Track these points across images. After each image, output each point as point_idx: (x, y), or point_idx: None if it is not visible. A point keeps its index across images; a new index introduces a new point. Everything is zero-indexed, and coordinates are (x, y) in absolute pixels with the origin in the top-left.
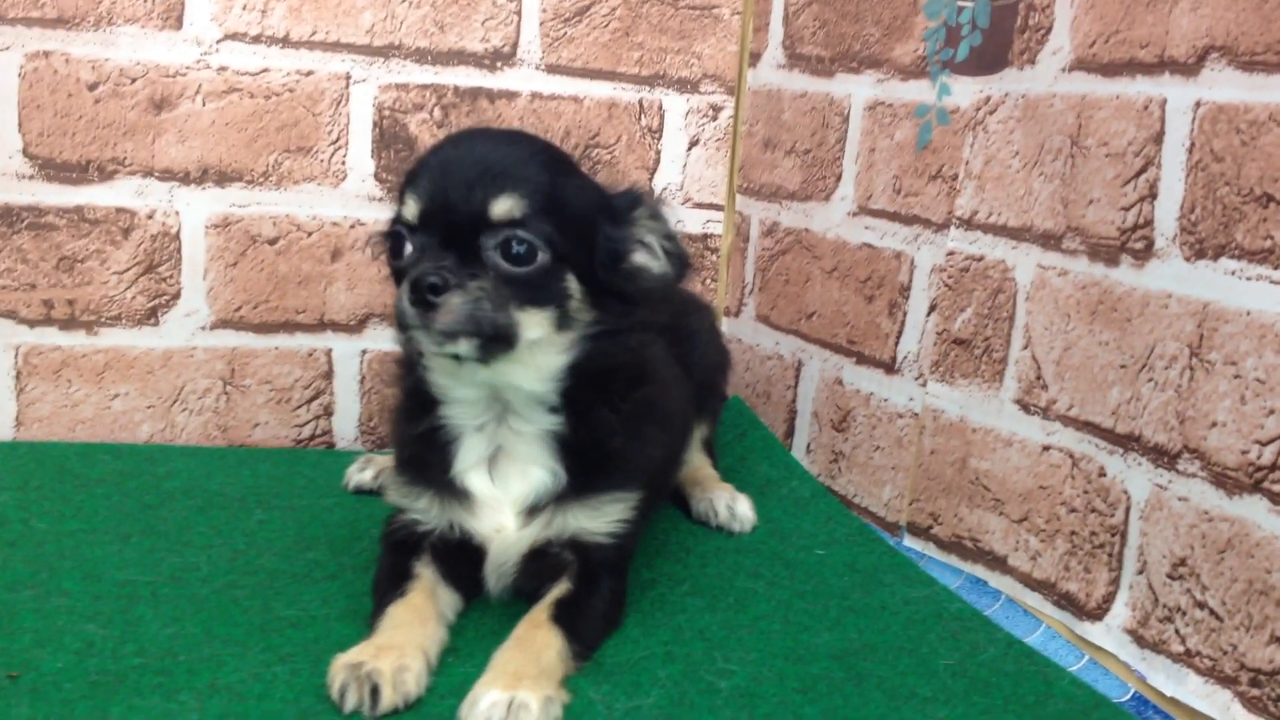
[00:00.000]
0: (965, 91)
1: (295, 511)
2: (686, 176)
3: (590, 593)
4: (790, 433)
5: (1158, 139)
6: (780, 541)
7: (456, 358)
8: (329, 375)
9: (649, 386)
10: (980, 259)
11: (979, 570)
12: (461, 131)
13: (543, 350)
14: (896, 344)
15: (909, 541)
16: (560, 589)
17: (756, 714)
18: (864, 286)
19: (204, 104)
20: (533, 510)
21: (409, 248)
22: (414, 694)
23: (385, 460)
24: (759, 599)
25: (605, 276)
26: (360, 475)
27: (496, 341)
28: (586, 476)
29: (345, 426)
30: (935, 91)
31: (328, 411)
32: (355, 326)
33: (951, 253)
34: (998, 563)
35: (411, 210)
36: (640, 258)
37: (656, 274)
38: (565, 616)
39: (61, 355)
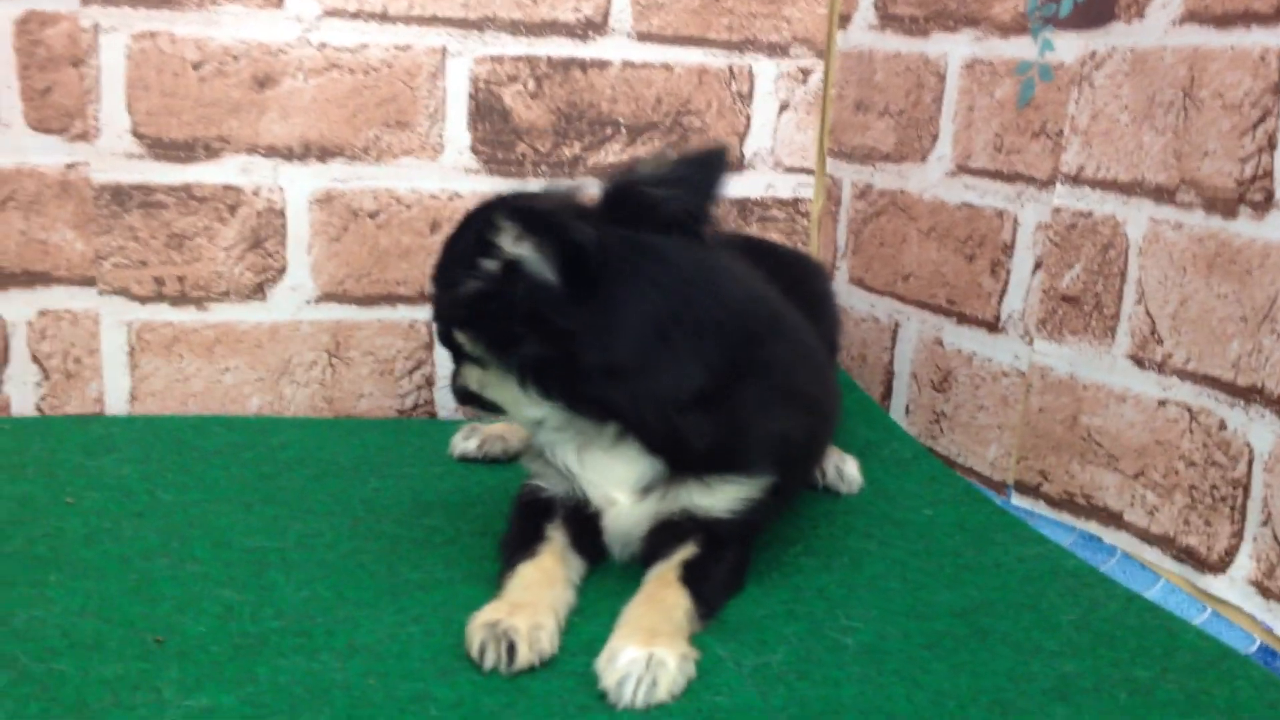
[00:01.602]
0: (1069, 47)
1: (407, 479)
2: (777, 141)
3: (715, 557)
4: (888, 394)
5: (1275, 89)
6: (887, 502)
7: None
8: (430, 346)
9: (766, 378)
10: (1089, 215)
11: (1092, 526)
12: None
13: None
14: (1000, 303)
15: (1016, 500)
16: (686, 551)
17: (885, 669)
18: (964, 246)
19: (305, 81)
20: (645, 489)
21: None
22: (549, 652)
23: (489, 429)
24: (873, 558)
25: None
26: (465, 444)
27: None
28: (690, 463)
29: (446, 396)
30: (1037, 48)
31: (429, 382)
32: None
33: (1058, 209)
34: (1113, 519)
35: None
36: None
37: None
38: (691, 578)
39: (173, 331)
